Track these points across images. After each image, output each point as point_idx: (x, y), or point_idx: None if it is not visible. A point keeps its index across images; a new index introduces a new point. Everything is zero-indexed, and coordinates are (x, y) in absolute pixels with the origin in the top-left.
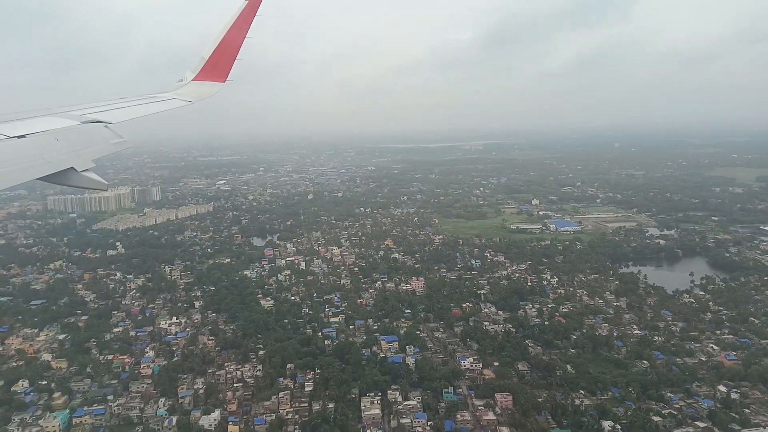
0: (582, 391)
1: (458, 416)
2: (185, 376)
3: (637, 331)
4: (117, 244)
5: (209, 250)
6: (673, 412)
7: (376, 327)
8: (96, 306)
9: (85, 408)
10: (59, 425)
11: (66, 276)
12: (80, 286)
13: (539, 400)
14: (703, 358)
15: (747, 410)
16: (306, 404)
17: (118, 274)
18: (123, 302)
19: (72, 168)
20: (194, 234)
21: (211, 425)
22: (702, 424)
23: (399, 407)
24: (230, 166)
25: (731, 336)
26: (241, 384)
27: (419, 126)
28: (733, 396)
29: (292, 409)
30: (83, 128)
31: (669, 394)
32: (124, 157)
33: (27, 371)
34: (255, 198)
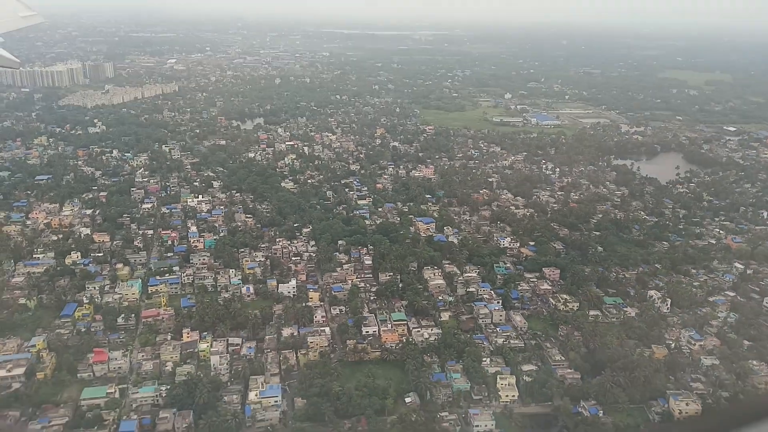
0: (617, 268)
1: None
2: (242, 250)
3: (645, 217)
4: (95, 121)
5: (197, 131)
6: (700, 284)
7: (406, 209)
8: (108, 182)
9: (158, 278)
10: (137, 292)
11: (57, 152)
12: (80, 162)
13: (586, 272)
14: (713, 241)
15: (762, 283)
16: (370, 275)
17: (115, 152)
18: (136, 179)
19: None
20: (172, 114)
21: (290, 292)
22: (730, 293)
23: (459, 278)
24: (170, 44)
25: (729, 222)
26: (298, 258)
27: (360, 11)
28: (748, 272)
29: (359, 280)
30: None
31: (692, 270)
32: (46, 28)
33: (72, 244)
34: (218, 80)
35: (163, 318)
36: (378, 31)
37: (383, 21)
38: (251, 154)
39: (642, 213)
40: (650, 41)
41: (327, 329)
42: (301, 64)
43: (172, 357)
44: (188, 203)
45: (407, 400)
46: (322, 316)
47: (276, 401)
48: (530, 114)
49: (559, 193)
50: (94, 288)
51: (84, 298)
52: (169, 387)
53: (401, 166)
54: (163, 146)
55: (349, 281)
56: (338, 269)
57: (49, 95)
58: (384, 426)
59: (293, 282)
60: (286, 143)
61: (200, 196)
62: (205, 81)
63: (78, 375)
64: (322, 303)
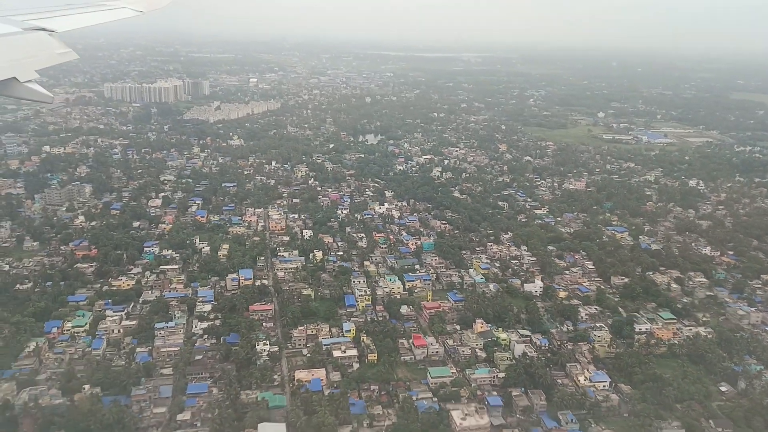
0: None
1: None
2: (464, 252)
3: None
4: (231, 134)
5: (331, 145)
6: None
7: (588, 218)
8: (290, 190)
9: (410, 274)
10: (401, 287)
11: (217, 162)
12: (251, 171)
13: None
14: None
15: None
16: (599, 278)
17: (274, 163)
18: (316, 188)
19: (14, 78)
20: (295, 130)
21: (536, 291)
22: None
23: (689, 283)
24: (233, 64)
25: None
26: (517, 261)
27: (397, 34)
28: None
29: (590, 282)
30: (26, 36)
31: None
32: (108, 47)
33: (301, 245)
34: (310, 98)
35: (444, 309)
36: (422, 52)
37: (420, 43)
38: (398, 167)
39: None
40: (695, 63)
41: (601, 325)
42: (376, 84)
43: (476, 344)
44: (377, 210)
45: (722, 388)
46: (586, 314)
47: (604, 385)
48: (636, 132)
49: (720, 207)
50: (359, 282)
51: (356, 291)
52: (503, 369)
53: (546, 179)
54: (319, 159)
55: (582, 283)
56: (566, 272)
57: (164, 110)
58: (714, 410)
59: (539, 282)
60: (424, 157)
61: (386, 204)
62: (298, 99)
63: (401, 357)
64: (579, 303)
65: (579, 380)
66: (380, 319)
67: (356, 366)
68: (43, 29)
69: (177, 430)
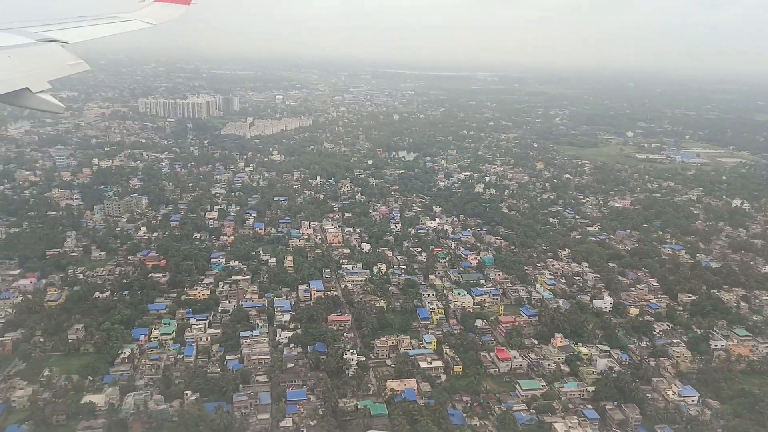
0: None
1: None
2: (526, 267)
3: None
4: (271, 149)
5: (369, 161)
6: None
7: (641, 236)
8: (339, 205)
9: (478, 288)
10: (470, 301)
11: (263, 176)
12: (298, 185)
13: None
14: None
15: None
16: (665, 295)
17: (318, 178)
18: (369, 202)
19: (27, 89)
20: (332, 146)
21: (606, 307)
22: None
23: (757, 301)
24: (257, 81)
25: None
26: (580, 277)
27: (407, 54)
28: None
29: (656, 299)
30: (39, 47)
31: None
32: (130, 63)
33: (359, 257)
34: (339, 115)
35: (519, 323)
36: (436, 71)
37: (432, 62)
38: (441, 183)
39: None
40: (711, 84)
41: (678, 341)
42: (399, 102)
43: (558, 358)
44: (429, 225)
45: None
46: (659, 330)
47: (693, 400)
48: (669, 152)
49: None
50: (429, 295)
51: (427, 304)
52: (590, 383)
53: (590, 197)
54: (355, 173)
55: (650, 300)
56: (631, 289)
57: (199, 125)
58: None
59: (609, 298)
60: (464, 173)
61: (437, 219)
62: (327, 116)
63: (487, 370)
64: (652, 319)
65: (667, 395)
66: (456, 332)
67: (444, 377)
68: (56, 41)
69: None
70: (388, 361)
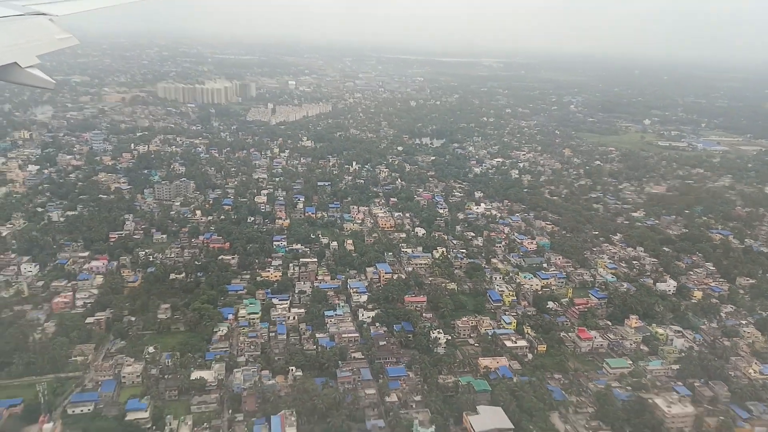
0: None
1: None
2: (584, 252)
3: None
4: (300, 135)
5: (398, 147)
6: None
7: (685, 221)
8: (383, 190)
9: (544, 272)
10: (538, 284)
11: (299, 162)
12: (336, 171)
13: None
14: None
15: None
16: (723, 279)
17: (354, 164)
18: (410, 188)
19: (15, 63)
20: (358, 132)
21: (670, 290)
22: None
23: None
24: (264, 66)
25: None
26: (637, 261)
27: (408, 39)
28: None
29: (715, 282)
30: (26, 21)
31: None
32: (131, 47)
33: (417, 241)
34: (356, 102)
35: (591, 305)
36: (439, 57)
37: (434, 48)
38: (475, 169)
39: None
40: (716, 72)
41: (746, 322)
42: (411, 88)
43: (635, 338)
44: (475, 210)
45: None
46: (725, 312)
47: None
48: (689, 139)
49: None
50: (496, 278)
51: (496, 286)
52: (672, 362)
53: (624, 183)
54: (388, 159)
55: (710, 283)
56: (689, 273)
57: (221, 111)
58: None
59: (671, 281)
60: (496, 159)
61: (482, 204)
62: (344, 102)
63: (569, 349)
64: (716, 301)
65: (749, 373)
66: (530, 313)
67: (530, 356)
68: (44, 14)
69: (400, 410)
70: (471, 341)
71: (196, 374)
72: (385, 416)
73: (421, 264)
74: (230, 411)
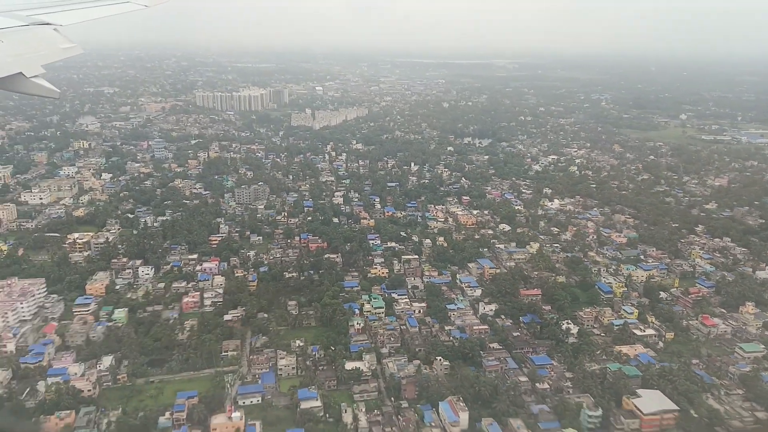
0: None
1: None
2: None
3: None
4: (349, 137)
5: (448, 147)
6: None
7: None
8: (449, 189)
9: (642, 264)
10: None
11: (358, 164)
12: (398, 171)
13: None
14: None
15: None
16: None
17: (412, 164)
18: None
19: (21, 73)
20: (402, 134)
21: None
22: None
23: None
24: (285, 74)
25: None
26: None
27: (418, 43)
28: None
29: None
30: (31, 31)
31: None
32: (152, 58)
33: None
34: (388, 104)
35: (704, 294)
36: (457, 60)
37: (442, 50)
38: (534, 166)
39: None
40: (732, 66)
41: None
42: (437, 91)
43: (756, 323)
44: (549, 205)
45: None
46: None
47: None
48: (731, 132)
49: None
50: (600, 270)
51: (602, 278)
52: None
53: (683, 177)
54: (443, 159)
55: None
56: None
57: (261, 118)
58: None
59: None
60: (551, 156)
61: (555, 200)
62: (377, 105)
63: (693, 336)
64: None
65: None
66: (645, 303)
67: (660, 344)
68: (48, 24)
69: (556, 396)
70: (595, 331)
71: (350, 365)
72: (544, 401)
73: (519, 259)
74: (392, 399)
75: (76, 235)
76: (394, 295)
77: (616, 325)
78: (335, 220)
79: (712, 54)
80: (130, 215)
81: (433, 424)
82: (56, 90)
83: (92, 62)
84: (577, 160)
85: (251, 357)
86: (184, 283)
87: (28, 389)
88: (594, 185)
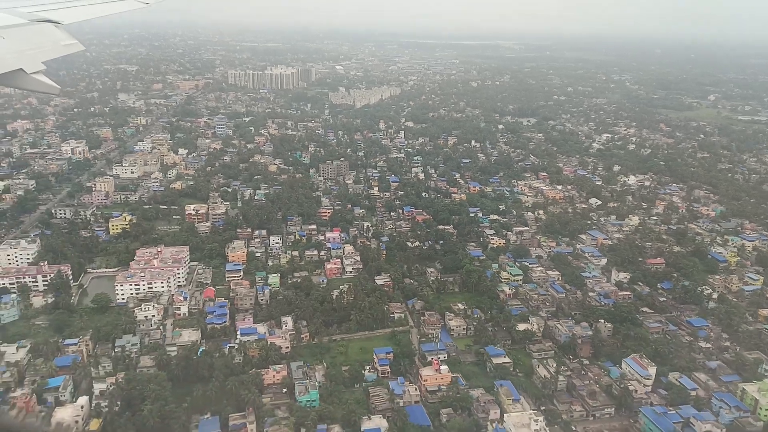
0: None
1: None
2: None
3: None
4: (401, 118)
5: (499, 125)
6: None
7: None
8: (533, 165)
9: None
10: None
11: (420, 143)
12: (462, 149)
13: None
14: None
15: None
16: None
17: (473, 141)
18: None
19: (21, 70)
20: (445, 112)
21: None
22: None
23: None
24: (297, 53)
25: None
26: None
27: (416, 24)
28: None
29: None
30: (33, 27)
31: None
32: (160, 37)
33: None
34: (416, 84)
35: None
36: (463, 41)
37: (440, 31)
38: (594, 144)
39: None
40: (732, 50)
41: None
42: (457, 71)
43: None
44: (626, 181)
45: None
46: None
47: None
48: (765, 113)
49: None
50: (712, 240)
51: (713, 249)
52: None
53: (738, 154)
54: (499, 137)
55: None
56: None
57: (299, 96)
58: None
59: None
60: (605, 135)
61: (631, 176)
62: (406, 85)
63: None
64: None
65: None
66: (759, 271)
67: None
68: (50, 21)
69: (723, 353)
70: (728, 296)
71: (521, 326)
72: (718, 357)
73: (626, 230)
74: (570, 357)
75: (191, 206)
76: (525, 263)
77: (747, 291)
78: (424, 194)
79: (707, 37)
80: (227, 189)
81: (626, 377)
82: (56, 86)
83: (98, 40)
84: (632, 138)
85: (422, 318)
86: (315, 252)
87: (227, 346)
88: (663, 162)
